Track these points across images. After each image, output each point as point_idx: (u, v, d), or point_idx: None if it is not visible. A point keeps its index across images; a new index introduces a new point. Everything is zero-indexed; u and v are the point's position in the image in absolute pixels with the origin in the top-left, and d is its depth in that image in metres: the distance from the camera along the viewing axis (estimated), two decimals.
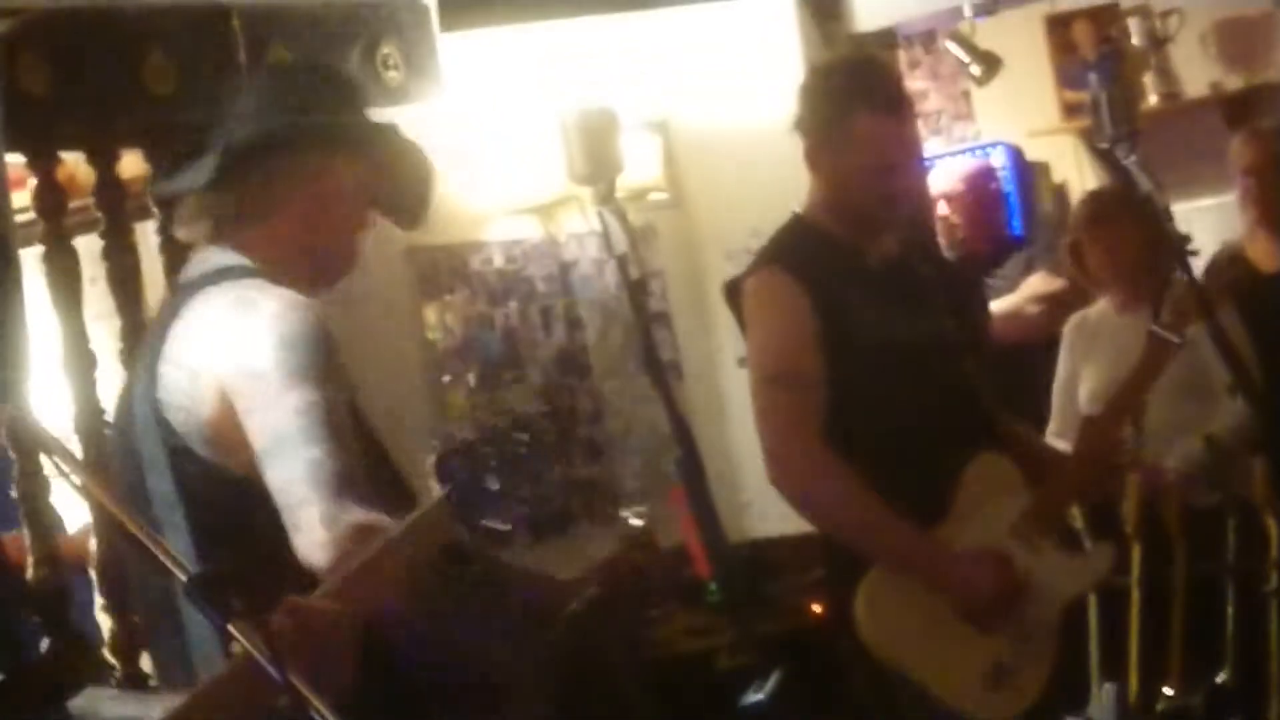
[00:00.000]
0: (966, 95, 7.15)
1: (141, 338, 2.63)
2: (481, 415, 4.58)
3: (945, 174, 5.63)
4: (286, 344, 2.37)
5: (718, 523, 4.13)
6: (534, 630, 2.68)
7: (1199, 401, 4.34)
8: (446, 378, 4.49)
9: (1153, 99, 6.86)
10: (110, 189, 3.67)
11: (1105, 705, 3.94)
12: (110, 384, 3.39)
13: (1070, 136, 6.96)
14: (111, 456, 2.62)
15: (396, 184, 2.72)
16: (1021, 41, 6.87)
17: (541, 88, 4.60)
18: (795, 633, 3.96)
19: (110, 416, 2.73)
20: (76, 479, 1.88)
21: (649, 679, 4.24)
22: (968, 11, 5.97)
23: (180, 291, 2.56)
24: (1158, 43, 6.93)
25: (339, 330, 4.09)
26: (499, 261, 4.69)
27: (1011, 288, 5.17)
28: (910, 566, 3.28)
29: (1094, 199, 4.88)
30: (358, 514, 2.26)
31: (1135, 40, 6.93)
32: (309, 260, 2.59)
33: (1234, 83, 6.80)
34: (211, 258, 2.56)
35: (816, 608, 4.07)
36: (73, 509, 3.85)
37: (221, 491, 2.42)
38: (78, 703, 2.01)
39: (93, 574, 3.56)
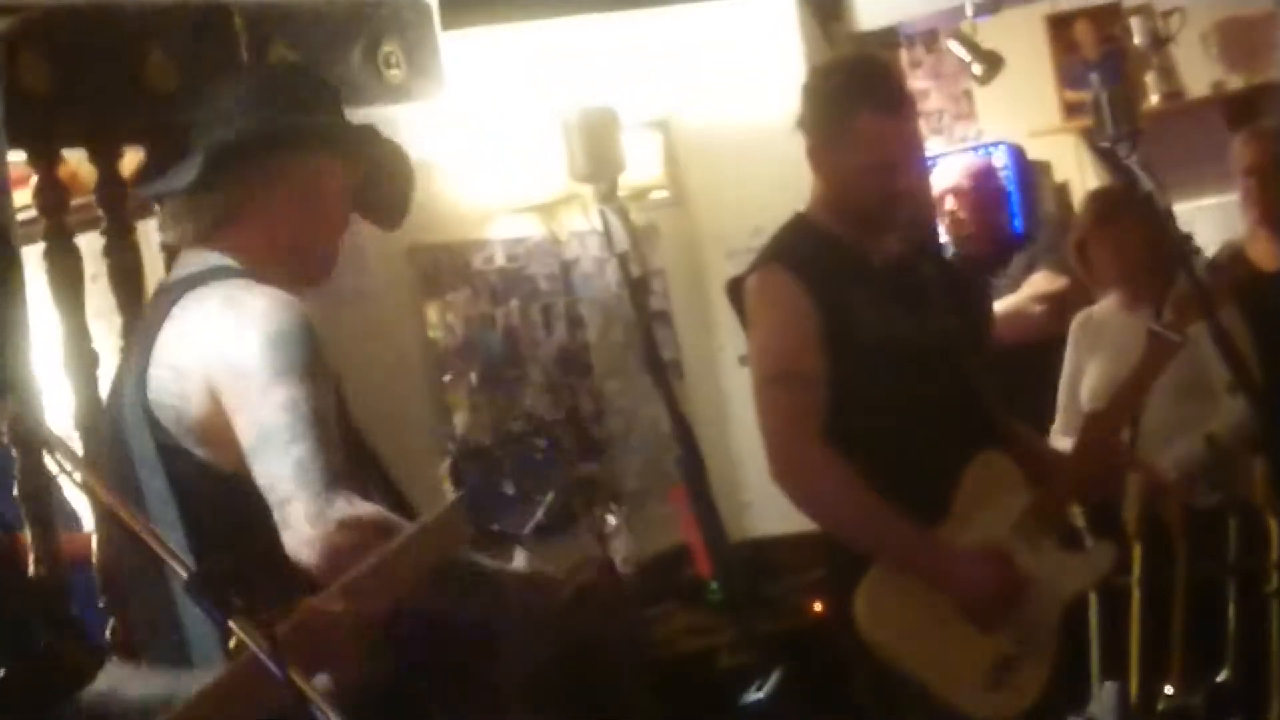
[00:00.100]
0: (968, 94, 7.15)
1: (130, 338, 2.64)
2: (483, 415, 4.58)
3: (951, 170, 5.63)
4: (273, 341, 2.39)
5: (719, 522, 4.13)
6: (530, 629, 2.69)
7: (1199, 401, 4.35)
8: (448, 376, 4.48)
9: (1154, 99, 6.87)
10: (112, 186, 3.67)
11: (1106, 704, 3.95)
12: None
13: (1072, 136, 6.97)
14: (102, 457, 2.63)
15: (377, 184, 2.76)
16: (1023, 41, 6.88)
17: (543, 86, 4.60)
18: (796, 632, 3.96)
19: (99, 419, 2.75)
20: (78, 476, 1.89)
21: (650, 678, 4.25)
22: (969, 11, 5.97)
23: (167, 292, 2.58)
24: (1159, 42, 6.93)
25: (341, 329, 4.11)
26: (500, 260, 4.69)
27: (1014, 287, 5.17)
28: (911, 565, 3.28)
29: (1099, 198, 4.88)
30: (344, 508, 2.28)
31: (1137, 40, 6.94)
32: (292, 260, 2.61)
33: (1235, 83, 6.81)
34: (197, 259, 2.58)
35: (817, 607, 4.07)
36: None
37: (214, 489, 2.43)
38: (99, 685, 2.02)
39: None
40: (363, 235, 4.19)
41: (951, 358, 3.38)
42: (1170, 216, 4.08)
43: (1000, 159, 6.22)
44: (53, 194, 3.59)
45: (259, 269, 2.54)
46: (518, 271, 4.72)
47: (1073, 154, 7.00)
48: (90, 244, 3.68)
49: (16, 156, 3.45)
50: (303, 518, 2.28)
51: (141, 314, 2.67)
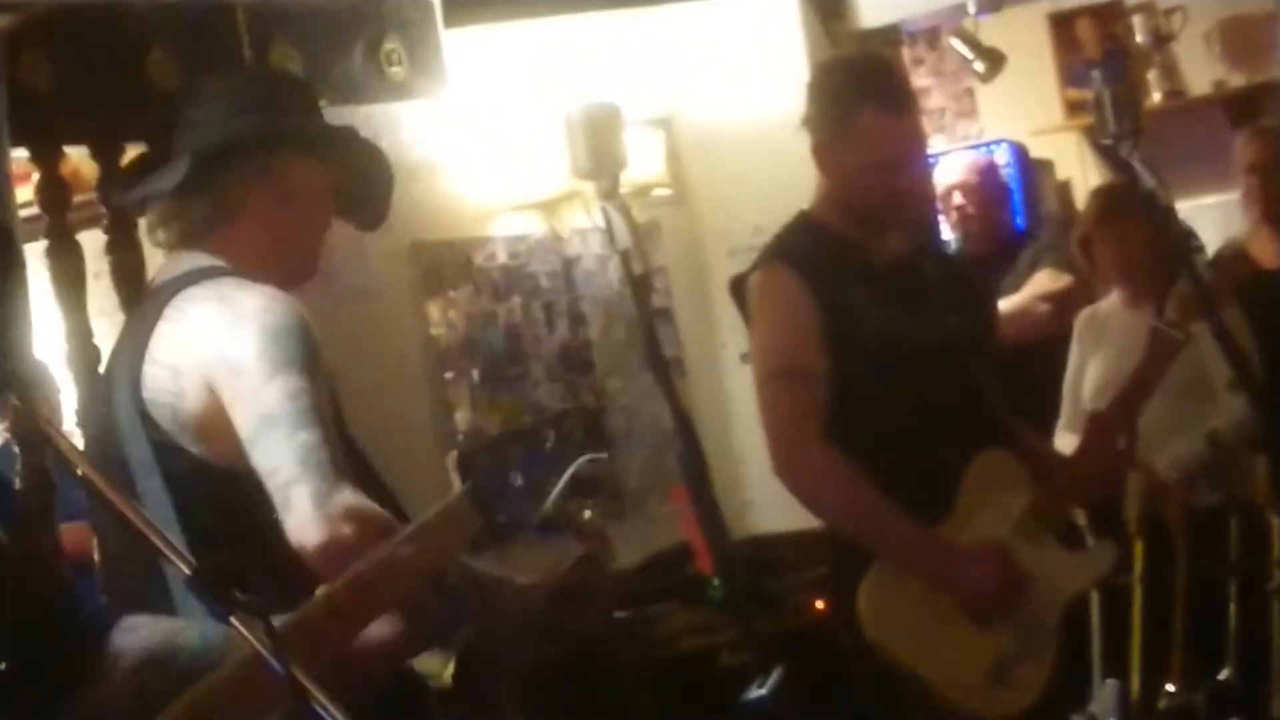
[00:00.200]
0: (970, 93, 7.15)
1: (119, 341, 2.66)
2: (485, 412, 4.58)
3: (955, 167, 5.64)
4: (271, 335, 2.40)
5: (720, 520, 4.13)
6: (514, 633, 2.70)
7: (1199, 399, 4.34)
8: (449, 374, 4.48)
9: (1156, 97, 6.86)
10: (114, 184, 3.67)
11: (1107, 702, 3.95)
12: None
13: (1074, 134, 6.96)
14: (94, 460, 2.63)
15: (357, 185, 2.78)
16: (1025, 39, 6.87)
17: (545, 84, 4.60)
18: (798, 629, 3.96)
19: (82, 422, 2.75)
20: (80, 471, 1.89)
21: (651, 675, 4.25)
22: (971, 8, 5.96)
23: (158, 293, 2.58)
24: (1161, 41, 6.93)
25: (343, 326, 4.11)
26: (502, 257, 4.68)
27: (1017, 285, 5.17)
28: (913, 562, 3.28)
29: (1104, 194, 4.88)
30: (349, 498, 2.29)
31: (1139, 38, 6.93)
32: (278, 260, 2.63)
33: (1237, 81, 6.80)
34: (187, 260, 2.59)
35: (819, 604, 4.07)
36: None
37: (210, 486, 2.44)
38: (157, 634, 2.03)
39: None
40: (364, 234, 4.21)
41: (954, 357, 3.38)
42: (1172, 214, 4.09)
43: (1002, 157, 6.22)
44: (55, 191, 3.59)
45: (247, 269, 2.56)
46: (519, 269, 4.72)
47: (1075, 152, 6.99)
48: (92, 241, 3.68)
49: (19, 154, 3.45)
50: (307, 499, 2.27)
51: (130, 317, 2.68)
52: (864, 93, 3.38)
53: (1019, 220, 6.06)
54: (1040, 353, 4.72)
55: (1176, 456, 4.32)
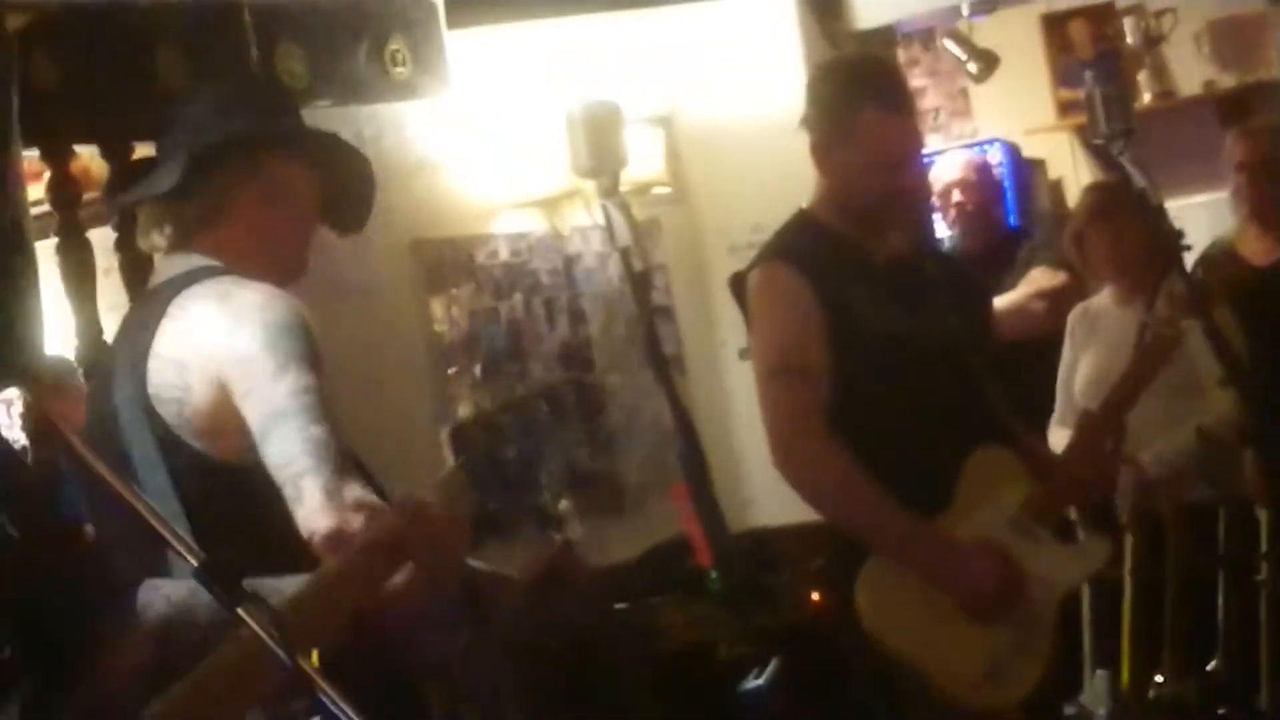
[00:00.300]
0: (964, 93, 7.15)
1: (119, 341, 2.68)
2: (486, 407, 4.58)
3: (952, 165, 5.64)
4: (276, 330, 2.43)
5: (719, 514, 4.13)
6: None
7: (1189, 395, 4.34)
8: (452, 369, 4.48)
9: (1147, 97, 6.86)
10: (110, 190, 3.67)
11: (1098, 693, 3.95)
12: None
13: (1066, 134, 6.96)
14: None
15: (340, 187, 2.80)
16: (1018, 40, 6.87)
17: (547, 84, 4.59)
18: (794, 622, 3.96)
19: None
20: (90, 465, 1.89)
21: (649, 666, 4.25)
22: (966, 10, 5.96)
23: (157, 294, 2.60)
24: (1152, 42, 6.93)
25: (347, 323, 4.10)
26: (504, 255, 4.68)
27: (1013, 282, 5.17)
28: (911, 558, 3.27)
29: (1097, 191, 4.88)
30: (358, 491, 2.32)
31: (1130, 39, 6.93)
32: (268, 260, 2.65)
33: (1227, 81, 6.80)
34: (182, 261, 2.62)
35: (816, 596, 4.07)
36: None
37: (213, 481, 2.45)
38: (181, 592, 2.05)
39: None
40: (368, 231, 4.20)
41: (952, 354, 3.37)
42: (1162, 213, 4.09)
43: (996, 156, 6.23)
44: (65, 189, 3.59)
45: (240, 268, 2.58)
46: (521, 266, 4.71)
47: (1067, 151, 6.99)
48: (102, 238, 3.68)
49: (30, 153, 3.44)
50: (318, 490, 2.30)
51: (129, 317, 2.71)
52: (863, 93, 3.38)
53: (1012, 218, 6.06)
54: (1036, 349, 4.71)
55: (1167, 452, 4.32)
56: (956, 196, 5.46)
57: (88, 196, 3.75)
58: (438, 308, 4.46)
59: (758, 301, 3.40)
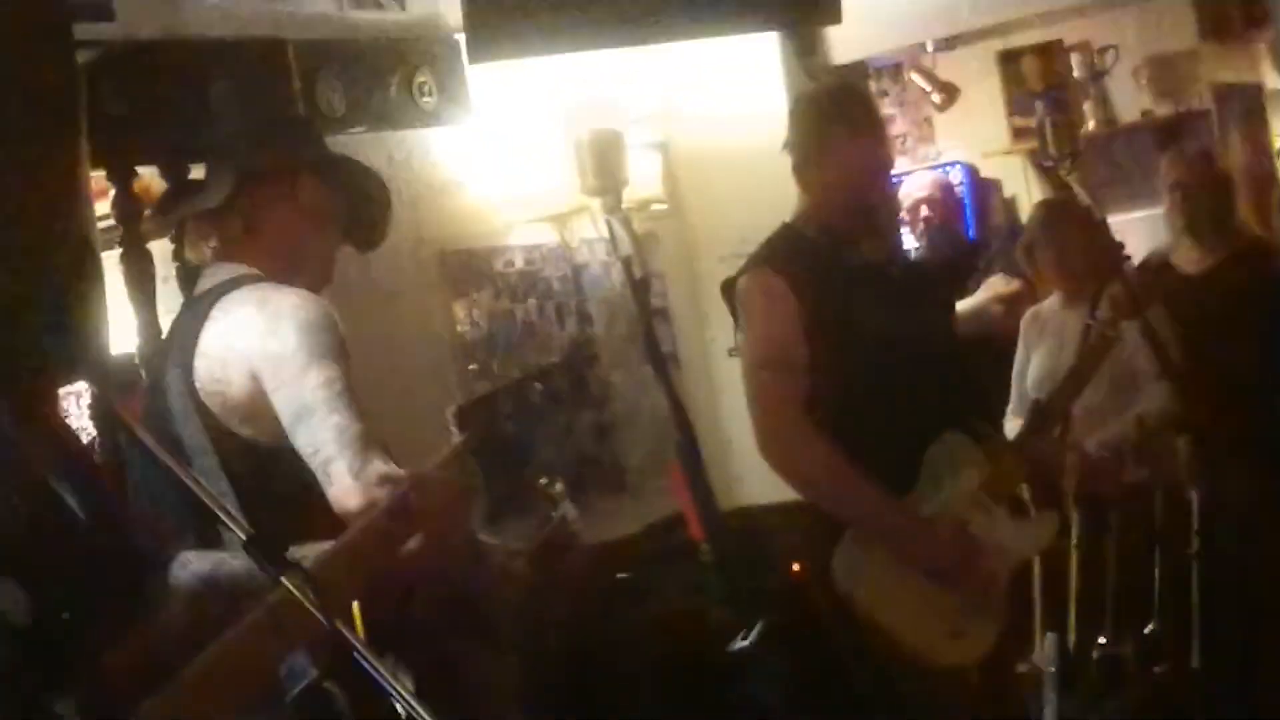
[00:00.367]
0: (929, 120, 7.13)
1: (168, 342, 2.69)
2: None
3: (920, 183, 5.63)
4: (305, 329, 2.45)
5: (710, 493, 4.13)
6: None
7: (1128, 389, 4.34)
8: (473, 365, 4.47)
9: (1091, 124, 6.85)
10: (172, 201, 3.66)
11: (1048, 653, 3.94)
12: None
13: (1019, 157, 6.94)
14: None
15: (359, 209, 2.81)
16: (977, 73, 6.86)
17: (557, 112, 4.58)
18: (778, 589, 3.95)
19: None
20: (151, 448, 1.88)
21: (649, 628, 4.24)
22: (930, 47, 5.97)
23: (200, 300, 2.62)
24: (1096, 75, 6.92)
25: (381, 323, 4.09)
26: (519, 264, 4.66)
27: (974, 288, 5.17)
28: (882, 531, 3.26)
29: (1046, 208, 4.88)
30: (381, 467, 2.34)
31: (1077, 73, 6.92)
32: (299, 269, 2.67)
33: (1163, 110, 6.79)
34: (224, 270, 2.64)
35: (797, 566, 4.06)
36: None
37: (255, 460, 2.47)
38: (205, 563, 2.05)
39: None
40: (401, 242, 4.20)
41: (919, 351, 3.37)
42: (1104, 227, 4.09)
43: (957, 176, 6.22)
44: (129, 205, 3.57)
45: (276, 276, 2.60)
46: (534, 274, 4.70)
47: (1020, 172, 6.97)
48: (162, 249, 3.67)
49: (97, 173, 3.43)
50: (345, 472, 2.33)
51: (178, 319, 2.72)
52: (837, 119, 3.37)
53: (971, 231, 6.05)
54: (993, 347, 4.70)
55: (1108, 438, 4.31)
56: (924, 211, 5.45)
57: (148, 212, 3.73)
58: (460, 310, 4.45)
59: (746, 304, 3.39)
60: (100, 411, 2.53)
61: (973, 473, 3.37)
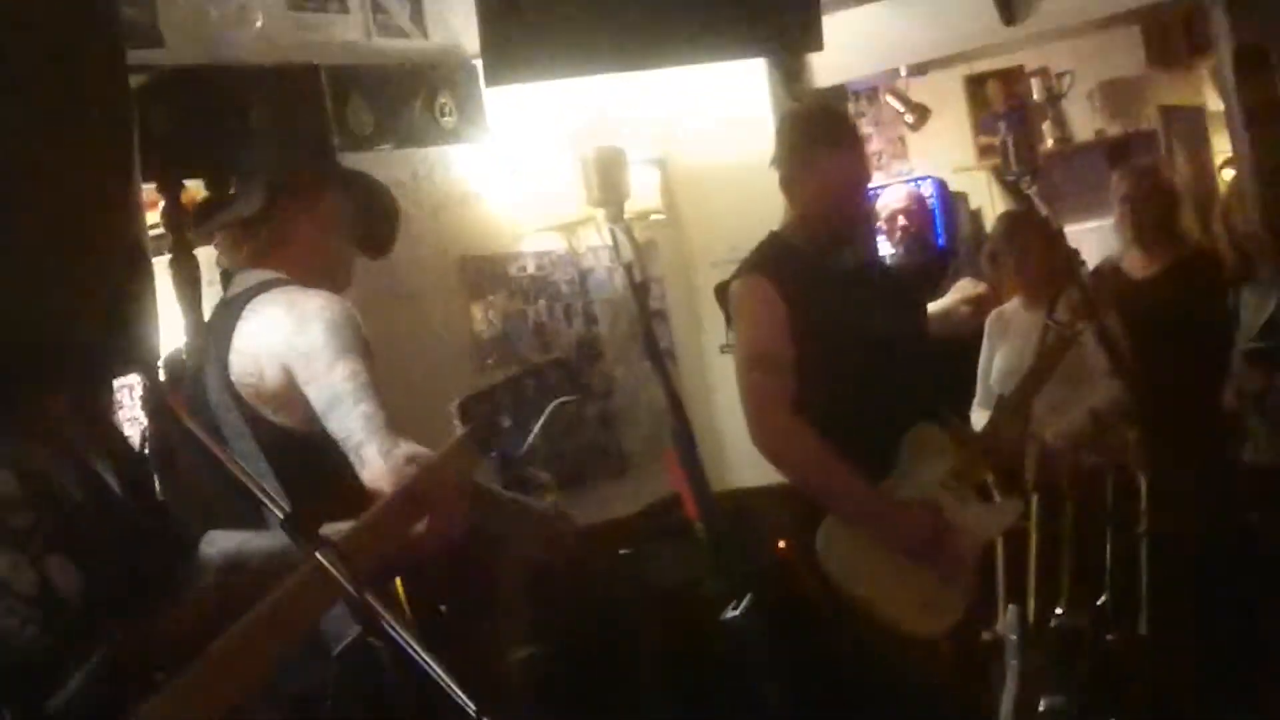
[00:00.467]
0: (902, 139, 7.14)
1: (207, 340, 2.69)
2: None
3: (896, 196, 5.63)
4: (331, 328, 2.46)
5: (704, 477, 4.12)
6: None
7: (1083, 384, 4.33)
8: (489, 361, 4.46)
9: (1049, 143, 6.86)
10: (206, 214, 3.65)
11: (1010, 623, 3.93)
12: None
13: (984, 172, 6.95)
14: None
15: (372, 218, 2.81)
16: (946, 96, 6.87)
17: (566, 131, 4.58)
18: (766, 564, 3.94)
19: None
20: (198, 437, 1.88)
21: (646, 602, 4.23)
22: (903, 72, 5.97)
23: (233, 302, 2.64)
24: (1054, 98, 6.93)
25: (403, 323, 4.08)
26: (531, 269, 4.66)
27: (943, 291, 5.16)
28: (860, 513, 3.26)
29: (1008, 218, 4.88)
30: (407, 448, 2.36)
31: (1036, 96, 6.93)
32: (322, 274, 2.67)
33: (1114, 130, 6.80)
34: (254, 276, 2.65)
35: (783, 544, 4.05)
36: None
37: (288, 444, 2.49)
38: (230, 543, 2.04)
39: None
40: (423, 249, 4.19)
41: (894, 348, 3.36)
42: (1061, 236, 4.08)
43: (928, 189, 6.20)
44: (177, 215, 3.57)
45: (301, 280, 2.61)
46: (545, 278, 4.69)
47: (985, 186, 6.98)
48: (207, 256, 3.66)
49: (147, 185, 3.43)
50: (376, 455, 2.34)
51: (214, 319, 2.74)
52: (820, 138, 3.37)
53: (941, 240, 6.03)
54: (961, 346, 4.70)
55: (1065, 429, 4.30)
56: (901, 221, 5.45)
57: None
58: (478, 311, 4.44)
59: (738, 307, 3.39)
60: (151, 402, 2.53)
61: (943, 460, 3.37)
